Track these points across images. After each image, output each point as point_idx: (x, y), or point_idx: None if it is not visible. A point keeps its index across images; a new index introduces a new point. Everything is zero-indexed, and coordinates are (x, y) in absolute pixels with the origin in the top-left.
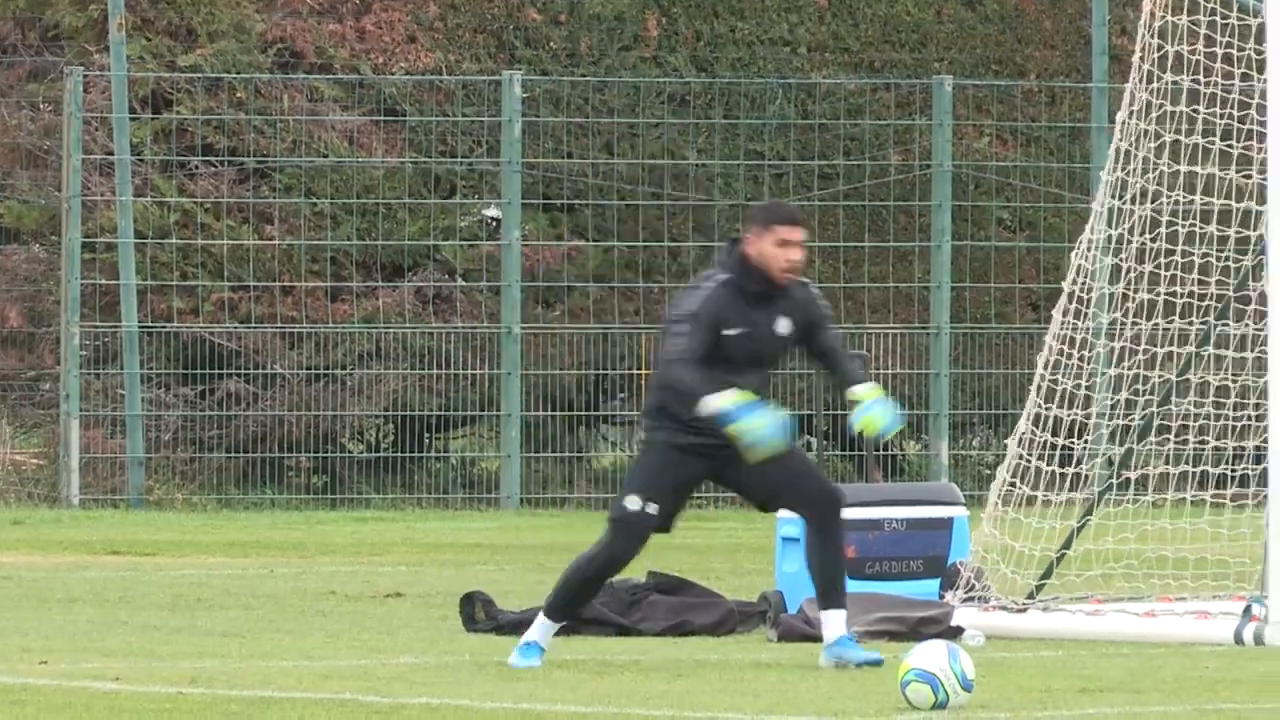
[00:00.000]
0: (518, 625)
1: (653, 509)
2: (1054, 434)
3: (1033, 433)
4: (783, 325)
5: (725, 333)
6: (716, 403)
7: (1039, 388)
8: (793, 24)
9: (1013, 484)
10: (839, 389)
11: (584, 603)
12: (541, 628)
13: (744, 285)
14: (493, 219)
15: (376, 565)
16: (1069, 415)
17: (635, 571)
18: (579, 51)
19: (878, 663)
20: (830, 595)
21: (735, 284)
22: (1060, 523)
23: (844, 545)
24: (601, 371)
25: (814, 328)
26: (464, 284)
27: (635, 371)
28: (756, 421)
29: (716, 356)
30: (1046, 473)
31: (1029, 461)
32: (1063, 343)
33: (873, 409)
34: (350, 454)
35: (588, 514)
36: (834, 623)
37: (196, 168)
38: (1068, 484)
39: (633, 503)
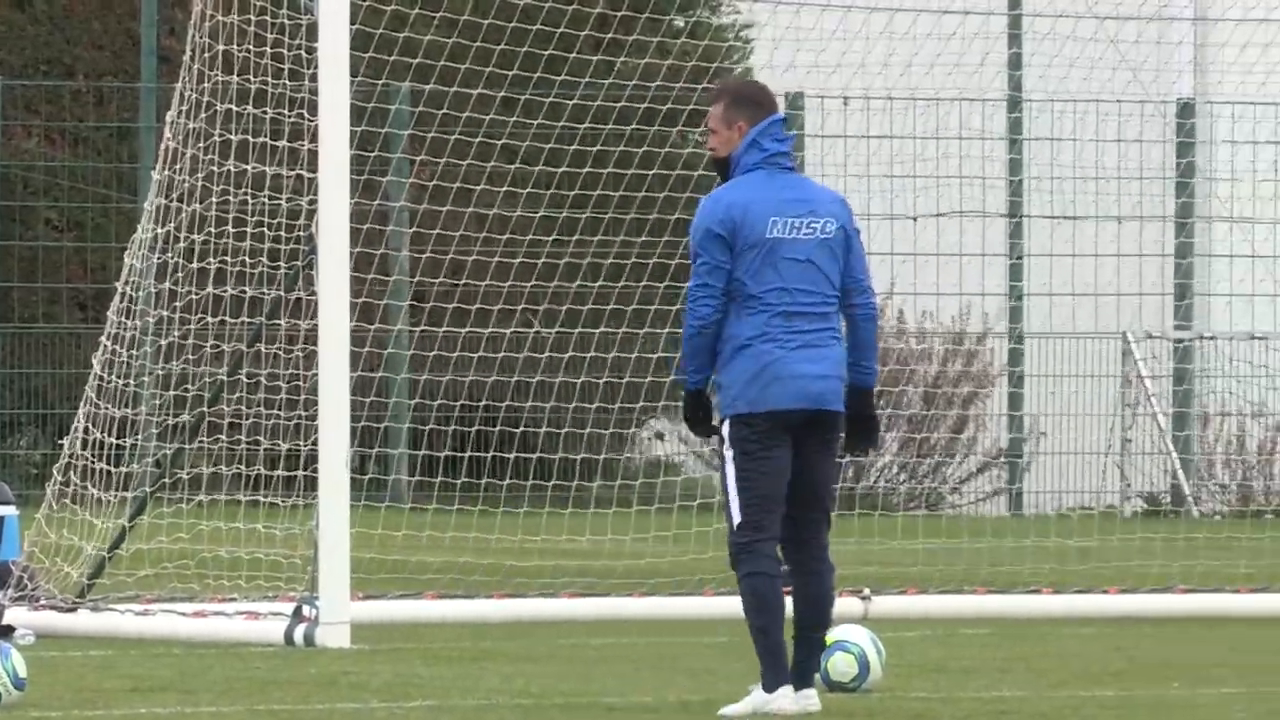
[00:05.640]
0: None
1: None
2: (107, 433)
3: (87, 431)
4: None
5: None
6: None
7: (95, 387)
8: None
9: (66, 483)
10: None
11: None
12: None
13: None
14: None
15: None
16: (122, 414)
17: None
18: None
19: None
20: None
21: None
22: (114, 522)
23: None
24: None
25: None
26: None
27: None
28: None
29: None
30: (100, 471)
31: (83, 460)
32: (116, 342)
33: None
34: None
35: None
36: None
37: None
38: (120, 482)
39: None
